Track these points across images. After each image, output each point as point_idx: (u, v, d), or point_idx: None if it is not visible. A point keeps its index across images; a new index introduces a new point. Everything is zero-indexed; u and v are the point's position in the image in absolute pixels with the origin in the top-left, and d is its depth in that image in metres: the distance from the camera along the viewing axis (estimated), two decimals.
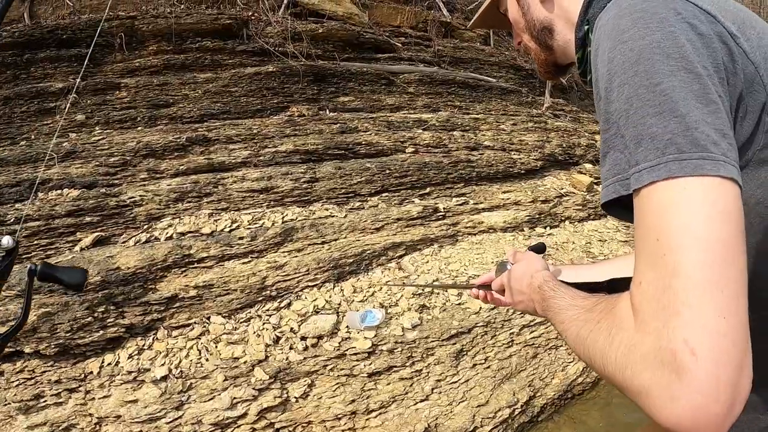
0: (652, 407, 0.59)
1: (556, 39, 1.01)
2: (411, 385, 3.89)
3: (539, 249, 1.24)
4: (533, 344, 4.62)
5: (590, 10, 0.87)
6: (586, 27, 0.89)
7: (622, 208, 0.72)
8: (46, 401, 3.28)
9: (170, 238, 4.75)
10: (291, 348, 3.99)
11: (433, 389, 3.90)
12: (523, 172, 7.50)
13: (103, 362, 3.62)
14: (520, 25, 1.07)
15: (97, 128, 5.89)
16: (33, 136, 5.65)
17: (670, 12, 0.69)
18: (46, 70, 6.22)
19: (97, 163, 5.28)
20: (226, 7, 7.59)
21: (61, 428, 3.16)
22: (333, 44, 7.97)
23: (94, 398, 3.36)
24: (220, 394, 3.45)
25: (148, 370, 3.58)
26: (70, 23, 6.55)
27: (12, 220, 4.48)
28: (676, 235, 0.60)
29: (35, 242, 4.41)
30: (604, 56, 0.73)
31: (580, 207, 7.23)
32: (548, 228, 6.66)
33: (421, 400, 3.79)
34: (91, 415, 3.26)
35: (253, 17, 7.51)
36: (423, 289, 4.94)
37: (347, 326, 4.32)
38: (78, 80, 5.99)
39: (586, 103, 12.02)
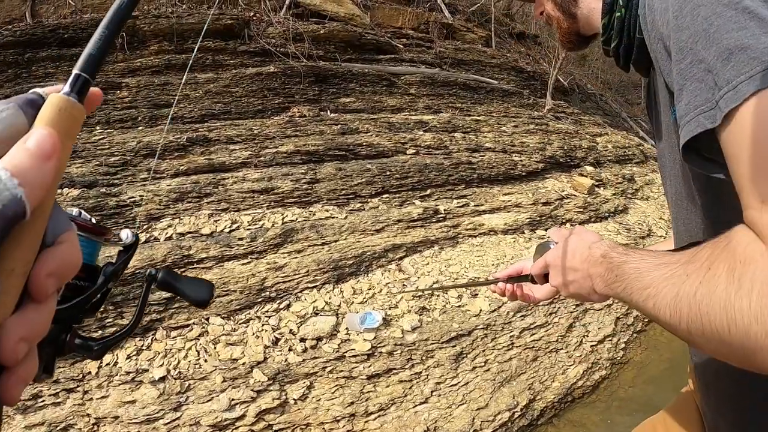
0: None
1: (580, 6, 0.97)
2: (410, 388, 3.87)
3: None
4: (533, 347, 4.61)
5: None
6: None
7: (697, 154, 0.65)
8: (44, 401, 3.27)
9: (170, 238, 4.74)
10: (290, 349, 3.97)
11: (432, 392, 3.88)
12: (524, 174, 7.49)
13: (101, 363, 3.60)
14: None
15: (97, 128, 5.87)
16: None
17: None
18: (48, 69, 6.21)
19: (98, 162, 5.26)
20: (227, 8, 7.58)
21: (59, 428, 3.15)
22: (334, 45, 7.97)
23: (92, 398, 3.34)
24: (218, 396, 3.44)
25: (147, 370, 3.57)
26: (71, 22, 6.55)
27: None
28: None
29: None
30: None
31: (581, 209, 7.21)
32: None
33: (421, 403, 3.77)
34: (89, 415, 3.25)
35: (254, 18, 7.51)
36: (428, 281, 4.93)
37: (347, 328, 4.30)
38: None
39: (587, 105, 12.03)
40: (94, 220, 0.58)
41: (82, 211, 0.56)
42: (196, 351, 3.82)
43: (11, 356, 0.31)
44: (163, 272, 0.72)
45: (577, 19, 0.99)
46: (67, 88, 0.34)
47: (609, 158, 9.42)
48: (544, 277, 1.00)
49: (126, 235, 0.66)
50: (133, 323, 0.67)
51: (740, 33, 0.57)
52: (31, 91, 0.35)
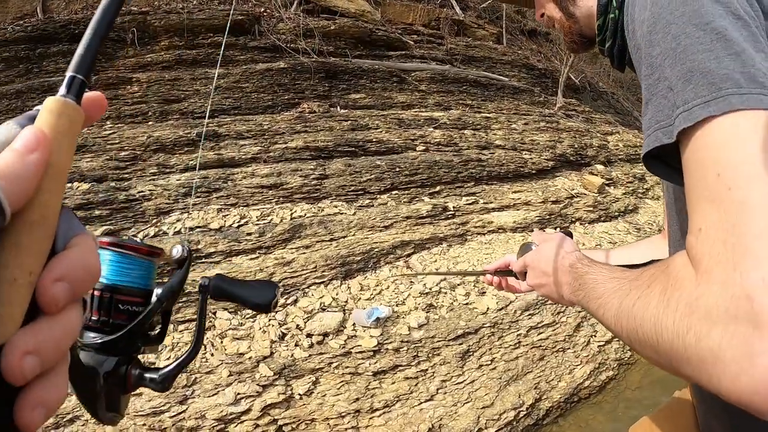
0: (724, 375, 0.49)
1: (579, 6, 0.98)
2: (416, 385, 3.86)
3: (568, 235, 1.10)
4: (540, 346, 4.58)
5: None
6: None
7: (662, 164, 0.67)
8: None
9: (178, 232, 4.76)
10: (296, 345, 3.97)
11: (438, 389, 3.87)
12: (534, 172, 7.44)
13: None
14: None
15: (108, 122, 5.90)
16: None
17: None
18: (59, 64, 6.24)
19: (108, 157, 5.29)
20: (238, 3, 7.58)
21: (66, 419, 3.17)
22: (345, 41, 7.95)
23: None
24: (224, 390, 3.44)
25: (153, 363, 3.58)
26: (82, 18, 6.58)
27: None
28: (741, 167, 0.53)
29: None
30: (645, 0, 0.69)
31: (591, 208, 7.16)
32: (558, 229, 6.58)
33: (426, 400, 3.76)
34: None
35: (265, 13, 7.51)
36: (435, 278, 4.92)
37: (353, 324, 4.30)
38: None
39: (598, 103, 11.92)
40: (145, 242, 0.56)
41: (134, 237, 0.56)
42: (203, 345, 3.83)
43: (15, 372, 0.28)
44: (215, 279, 0.67)
45: (577, 20, 1.00)
46: (62, 90, 0.34)
47: (620, 157, 9.34)
48: (524, 275, 1.11)
49: (177, 250, 0.62)
50: (195, 344, 0.62)
51: (704, 55, 0.59)
52: (34, 108, 0.34)
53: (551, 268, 0.96)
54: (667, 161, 0.66)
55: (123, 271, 0.56)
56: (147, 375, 0.56)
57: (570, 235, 1.08)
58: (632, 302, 0.64)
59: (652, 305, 0.59)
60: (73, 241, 0.33)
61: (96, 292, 0.53)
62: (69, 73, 0.35)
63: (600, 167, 8.46)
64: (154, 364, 0.60)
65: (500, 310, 4.74)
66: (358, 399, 3.62)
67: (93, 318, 0.54)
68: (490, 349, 4.37)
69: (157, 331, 0.60)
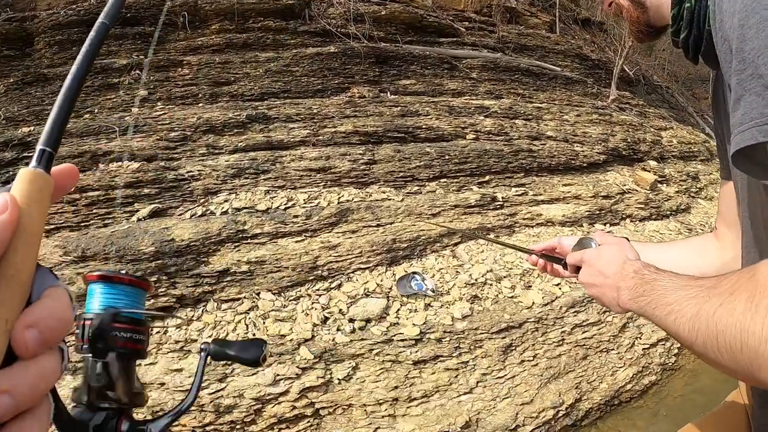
0: None
1: None
2: (456, 377, 3.75)
3: None
4: (584, 345, 4.39)
5: None
6: None
7: (748, 160, 0.66)
8: None
9: (225, 213, 4.76)
10: (338, 329, 3.91)
11: (477, 383, 3.75)
12: (585, 165, 7.18)
13: (151, 330, 3.64)
14: None
15: (159, 104, 5.97)
16: (96, 110, 5.79)
17: None
18: (111, 47, 6.37)
19: (158, 137, 5.35)
20: None
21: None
22: (395, 27, 7.85)
23: (140, 364, 3.37)
24: (264, 370, 3.41)
25: (195, 341, 3.58)
26: (134, 2, 6.69)
27: (72, 189, 4.58)
28: None
29: (94, 211, 4.50)
30: None
31: (643, 205, 6.86)
32: (608, 225, 6.36)
33: (465, 393, 3.64)
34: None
35: None
36: (481, 270, 4.80)
37: (396, 311, 4.21)
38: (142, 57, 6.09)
39: (652, 97, 11.49)
40: (135, 275, 0.58)
41: (123, 270, 0.55)
42: (245, 325, 3.82)
43: None
44: (213, 345, 0.71)
45: (647, 9, 0.97)
46: (33, 162, 0.37)
47: (673, 154, 8.95)
48: (576, 269, 1.07)
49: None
50: (191, 397, 0.64)
51: None
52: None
53: (611, 270, 0.93)
54: (753, 158, 0.65)
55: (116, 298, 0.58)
56: (139, 428, 0.56)
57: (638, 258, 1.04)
58: (713, 309, 0.63)
59: (737, 311, 0.59)
60: (45, 293, 0.35)
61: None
62: (39, 147, 0.38)
63: (653, 163, 8.12)
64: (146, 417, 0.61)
65: (545, 305, 4.57)
66: (396, 387, 3.53)
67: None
68: (533, 344, 4.22)
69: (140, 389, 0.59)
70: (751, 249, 0.90)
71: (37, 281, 0.36)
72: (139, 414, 0.56)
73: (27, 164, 0.36)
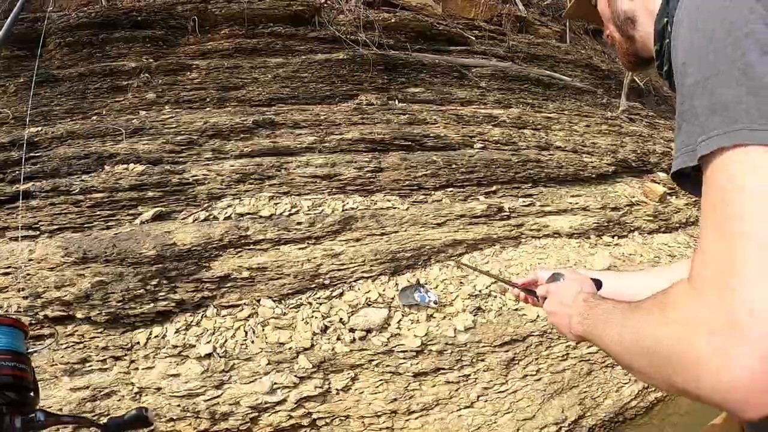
0: (705, 377, 0.57)
1: (638, 29, 1.04)
2: (456, 390, 3.69)
3: (597, 284, 1.24)
4: (589, 360, 4.32)
5: (671, 3, 0.87)
6: (665, 20, 0.90)
7: (691, 182, 0.73)
8: (91, 366, 3.31)
9: (229, 218, 4.74)
10: (338, 339, 3.87)
11: (479, 396, 3.69)
12: (593, 176, 7.10)
13: (150, 334, 3.62)
14: (606, 16, 1.12)
15: (166, 107, 5.97)
16: (104, 112, 5.80)
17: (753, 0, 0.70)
18: (121, 50, 6.39)
19: (164, 140, 5.34)
20: None
21: (102, 393, 3.17)
22: (405, 34, 7.82)
23: (137, 368, 3.35)
24: (261, 378, 3.38)
25: (194, 346, 3.55)
26: (145, 5, 6.72)
27: (77, 190, 4.58)
28: (745, 200, 0.60)
29: (97, 213, 4.49)
30: (685, 32, 0.74)
31: (652, 218, 6.77)
32: (616, 237, 6.27)
33: (465, 407, 3.59)
34: (132, 384, 3.26)
35: (325, 5, 7.46)
36: (486, 280, 4.75)
37: (398, 322, 4.16)
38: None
39: (663, 108, 11.37)
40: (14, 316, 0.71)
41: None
42: (245, 331, 3.78)
43: None
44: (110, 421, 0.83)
45: (635, 42, 1.06)
46: None
47: None
48: (544, 300, 1.22)
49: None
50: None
51: (729, 91, 0.64)
52: None
53: (568, 301, 1.07)
54: (696, 180, 0.71)
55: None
56: (29, 420, 0.70)
57: (600, 284, 1.21)
58: (634, 322, 0.73)
59: (651, 321, 0.68)
60: None
61: None
62: None
63: (662, 175, 8.01)
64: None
65: None
66: (396, 399, 3.49)
67: None
68: (537, 358, 4.15)
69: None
70: None
71: None
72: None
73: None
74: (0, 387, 0.75)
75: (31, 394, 0.79)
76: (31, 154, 5.04)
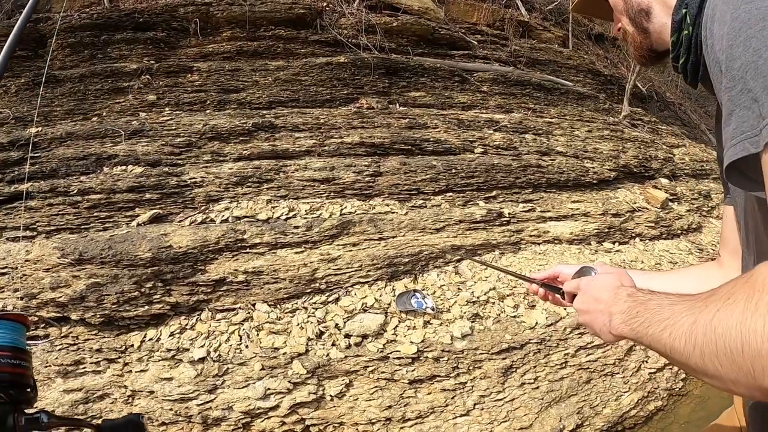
0: None
1: (653, 22, 1.01)
2: (453, 398, 3.67)
3: None
4: (588, 368, 4.29)
5: None
6: (683, 11, 0.89)
7: (739, 173, 0.70)
8: (85, 368, 3.30)
9: (225, 221, 4.73)
10: (333, 344, 3.85)
11: (475, 404, 3.66)
12: (595, 181, 7.07)
13: (144, 337, 3.61)
14: (619, 8, 1.09)
15: (166, 109, 5.97)
16: (104, 113, 5.80)
17: None
18: (122, 51, 6.40)
19: (163, 142, 5.34)
20: None
21: (95, 396, 3.16)
22: (407, 38, 7.81)
23: (131, 371, 3.34)
24: (254, 383, 3.36)
25: (187, 350, 3.54)
26: (146, 7, 6.72)
27: (75, 192, 4.58)
28: None
29: (95, 214, 4.48)
30: (724, 17, 0.72)
31: (653, 224, 6.74)
32: (616, 244, 6.24)
33: (461, 415, 3.56)
34: (125, 387, 3.24)
35: (327, 8, 7.46)
36: (484, 287, 4.72)
37: (394, 328, 4.14)
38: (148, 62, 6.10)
39: (665, 114, 11.35)
40: (15, 311, 0.65)
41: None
42: (239, 336, 3.77)
43: None
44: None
45: (649, 34, 1.04)
46: None
47: (685, 172, 8.79)
48: (573, 297, 1.08)
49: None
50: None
51: None
52: None
53: (605, 297, 0.92)
54: (745, 172, 0.68)
55: None
56: (33, 418, 0.69)
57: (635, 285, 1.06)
58: (711, 315, 0.62)
59: (736, 312, 0.58)
60: None
61: None
62: None
63: (664, 181, 7.99)
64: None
65: (549, 326, 4.48)
66: (390, 407, 3.46)
67: None
68: (535, 366, 4.12)
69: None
70: (750, 264, 0.93)
71: None
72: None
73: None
74: (4, 384, 0.74)
75: (31, 391, 0.78)
76: (31, 155, 5.04)
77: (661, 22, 1.00)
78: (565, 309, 4.74)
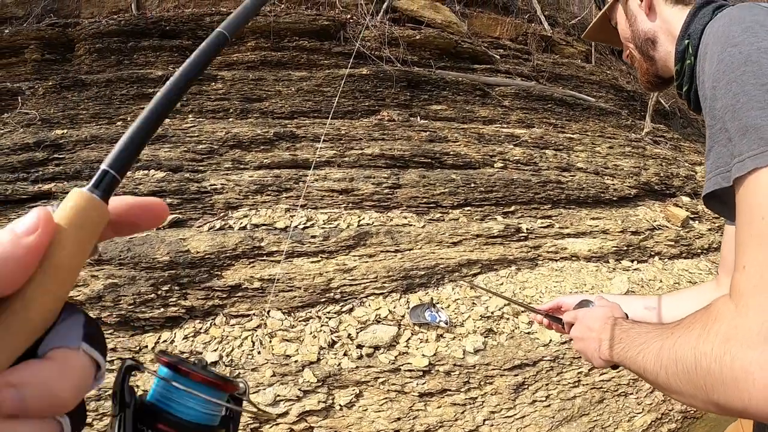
0: (755, 387, 0.56)
1: (658, 50, 1.07)
2: (462, 413, 3.63)
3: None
4: (601, 387, 4.22)
5: (692, 26, 0.92)
6: (686, 41, 0.94)
7: (720, 203, 0.77)
8: None
9: (244, 228, 4.77)
10: (345, 354, 3.85)
11: (485, 420, 3.62)
12: (615, 199, 7.00)
13: (159, 338, 3.64)
14: (626, 36, 1.14)
15: (190, 116, 6.06)
16: (129, 118, 5.91)
17: None
18: (148, 58, 6.53)
19: (185, 148, 5.42)
20: (325, 9, 7.65)
21: (108, 393, 3.17)
22: (429, 52, 7.85)
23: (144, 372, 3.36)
24: (265, 389, 3.37)
25: (200, 353, 3.56)
26: (173, 15, 6.86)
27: None
28: None
29: None
30: (713, 57, 0.77)
31: (673, 243, 6.63)
32: (635, 262, 6.15)
33: (470, 430, 3.52)
34: (138, 386, 3.25)
35: (351, 20, 7.53)
36: (499, 302, 4.69)
37: (407, 340, 4.13)
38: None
39: (688, 131, 11.20)
40: (219, 373, 0.42)
41: (206, 363, 0.42)
42: (252, 342, 3.78)
43: None
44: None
45: (655, 62, 1.09)
46: (90, 183, 0.31)
47: None
48: (571, 326, 1.19)
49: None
50: None
51: (759, 113, 0.66)
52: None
53: (597, 325, 1.04)
54: (726, 201, 0.73)
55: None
56: None
57: (626, 316, 1.16)
58: (674, 341, 0.72)
59: (692, 337, 0.67)
60: (52, 353, 0.29)
61: None
62: (103, 167, 0.32)
63: (686, 199, 7.87)
64: None
65: (563, 343, 4.43)
66: (399, 419, 3.44)
67: None
68: (547, 384, 4.07)
69: None
70: None
71: (55, 332, 0.29)
72: None
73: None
74: None
75: None
76: (55, 156, 5.15)
77: (666, 51, 1.05)
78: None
